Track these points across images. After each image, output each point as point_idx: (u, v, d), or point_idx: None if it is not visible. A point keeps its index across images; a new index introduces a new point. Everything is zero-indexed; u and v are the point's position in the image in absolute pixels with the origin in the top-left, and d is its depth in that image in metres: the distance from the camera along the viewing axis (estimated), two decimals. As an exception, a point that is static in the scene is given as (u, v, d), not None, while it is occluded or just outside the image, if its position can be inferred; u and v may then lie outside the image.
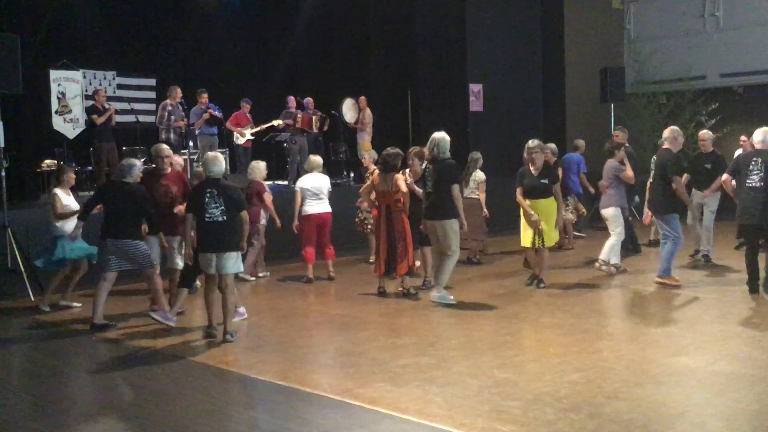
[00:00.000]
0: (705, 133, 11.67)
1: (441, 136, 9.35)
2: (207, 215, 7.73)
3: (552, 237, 9.93)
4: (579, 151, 13.71)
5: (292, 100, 15.56)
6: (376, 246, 9.89)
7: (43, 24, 14.80)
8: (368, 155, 11.88)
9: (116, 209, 8.35)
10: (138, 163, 8.68)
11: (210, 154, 8.23)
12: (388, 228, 9.60)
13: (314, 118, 15.41)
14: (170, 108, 13.67)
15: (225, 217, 7.74)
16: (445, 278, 9.26)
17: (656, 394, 5.87)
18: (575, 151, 13.82)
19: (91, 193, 12.35)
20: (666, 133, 10.17)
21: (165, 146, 9.31)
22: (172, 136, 13.66)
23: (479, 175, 11.79)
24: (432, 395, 5.96)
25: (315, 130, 15.46)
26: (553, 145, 12.38)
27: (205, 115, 14.12)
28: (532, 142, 10.02)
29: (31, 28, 13.82)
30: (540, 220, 9.72)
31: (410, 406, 5.75)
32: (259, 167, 11.01)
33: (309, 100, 15.90)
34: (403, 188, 9.54)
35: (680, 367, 6.54)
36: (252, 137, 15.16)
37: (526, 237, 9.87)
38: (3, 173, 10.59)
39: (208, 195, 7.75)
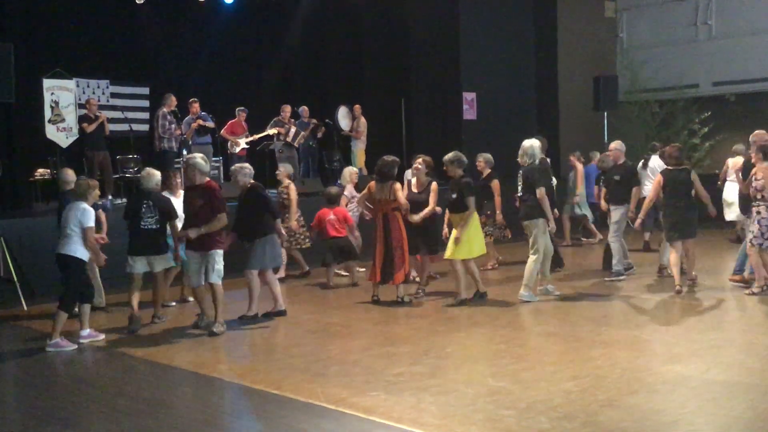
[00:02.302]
0: (615, 143, 11.33)
1: (530, 143, 9.78)
2: (143, 223, 8.79)
3: (460, 250, 9.50)
4: (594, 161, 13.73)
5: (286, 110, 15.52)
6: (373, 253, 9.85)
7: (37, 33, 14.79)
8: (284, 168, 11.96)
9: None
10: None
11: (146, 170, 9.12)
12: (385, 236, 9.60)
13: (301, 133, 15.33)
14: (170, 117, 13.62)
15: (158, 225, 8.85)
16: (531, 278, 9.67)
17: (650, 402, 5.87)
18: (591, 162, 13.97)
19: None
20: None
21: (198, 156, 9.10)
22: (174, 144, 13.62)
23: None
24: (426, 404, 5.95)
25: (296, 145, 15.37)
26: (487, 155, 11.72)
27: (194, 125, 14.10)
28: (447, 155, 9.83)
29: (25, 36, 13.80)
30: (450, 233, 9.70)
31: (405, 415, 5.74)
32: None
33: (304, 109, 15.92)
34: (401, 199, 9.55)
35: (674, 375, 6.54)
36: (247, 146, 15.14)
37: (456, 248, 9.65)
38: (-5, 182, 10.57)
39: (144, 206, 8.82)
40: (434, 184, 10.07)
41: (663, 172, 10.05)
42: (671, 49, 19.34)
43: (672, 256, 9.97)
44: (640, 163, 12.61)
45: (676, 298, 9.59)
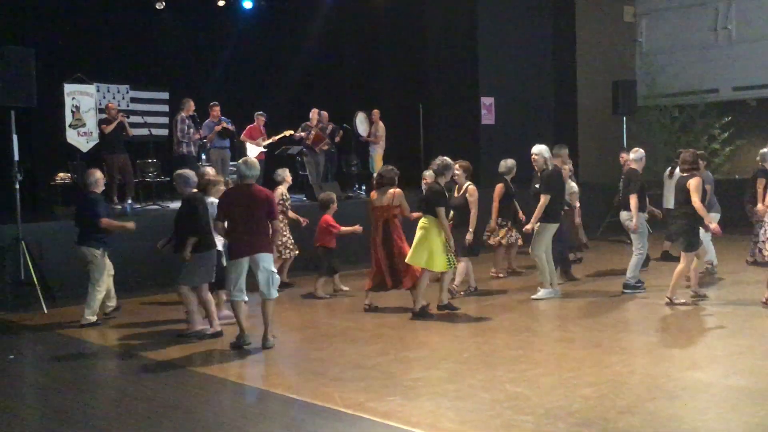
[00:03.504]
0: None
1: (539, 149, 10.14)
2: None
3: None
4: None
5: (314, 113, 15.58)
6: (372, 261, 9.79)
7: (58, 38, 14.94)
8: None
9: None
10: (191, 173, 8.84)
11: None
12: (384, 243, 9.54)
13: (323, 141, 15.39)
14: (189, 121, 13.69)
15: None
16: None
17: (670, 409, 5.84)
18: None
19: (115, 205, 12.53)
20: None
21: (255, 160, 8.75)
22: (193, 149, 13.68)
23: (571, 185, 12.07)
24: (444, 409, 5.95)
25: (318, 152, 15.42)
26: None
27: (217, 128, 14.16)
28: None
29: (46, 42, 13.93)
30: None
31: (422, 419, 5.73)
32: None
33: (323, 114, 15.93)
34: (403, 203, 9.52)
35: (694, 382, 6.50)
36: (265, 149, 15.19)
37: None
38: (17, 186, 10.64)
39: None
40: (472, 188, 10.29)
41: (678, 179, 9.88)
42: (691, 54, 19.23)
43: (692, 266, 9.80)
44: (667, 171, 12.48)
45: (700, 305, 9.51)
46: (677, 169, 9.74)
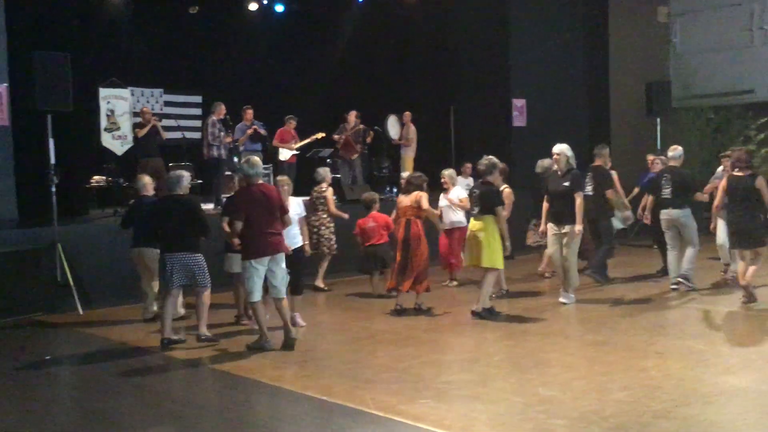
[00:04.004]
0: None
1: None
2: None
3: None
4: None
5: (352, 116, 15.65)
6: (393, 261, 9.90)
7: (93, 43, 15.13)
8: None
9: (173, 223, 8.34)
10: (186, 174, 8.73)
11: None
12: (404, 242, 9.58)
13: (356, 146, 15.47)
14: (219, 125, 13.81)
15: None
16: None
17: (705, 414, 5.77)
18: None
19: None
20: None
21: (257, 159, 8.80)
22: (223, 152, 13.79)
23: None
24: (476, 413, 5.93)
25: (350, 158, 15.49)
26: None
27: (249, 131, 14.24)
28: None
29: (81, 46, 14.11)
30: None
31: (454, 423, 5.72)
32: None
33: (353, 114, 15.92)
34: (424, 205, 9.60)
35: (730, 387, 6.42)
36: (297, 152, 15.26)
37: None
38: (54, 189, 10.79)
39: None
40: (508, 191, 10.37)
41: (728, 177, 9.77)
42: (726, 55, 18.97)
43: (739, 266, 9.68)
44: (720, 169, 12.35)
45: (734, 308, 9.39)
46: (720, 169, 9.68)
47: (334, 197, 11.75)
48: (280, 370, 7.43)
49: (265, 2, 17.21)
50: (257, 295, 8.04)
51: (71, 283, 10.28)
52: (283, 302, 8.16)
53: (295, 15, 18.15)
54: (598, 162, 11.38)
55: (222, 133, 13.75)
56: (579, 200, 9.74)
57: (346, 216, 11.55)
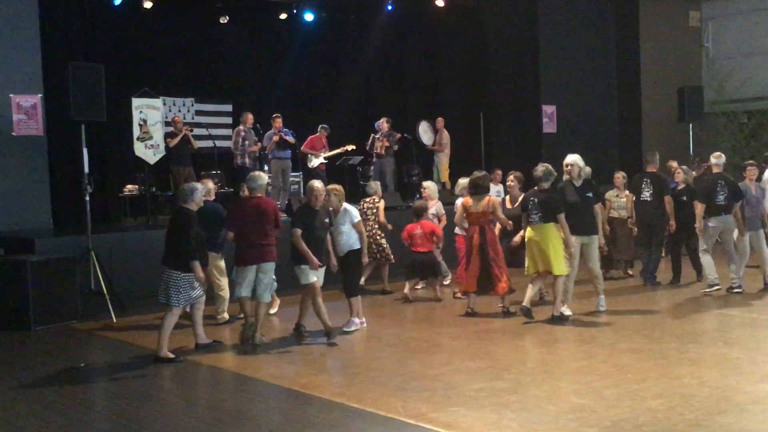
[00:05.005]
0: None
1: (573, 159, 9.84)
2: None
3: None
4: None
5: (382, 122, 15.75)
6: (466, 266, 9.88)
7: (125, 54, 15.32)
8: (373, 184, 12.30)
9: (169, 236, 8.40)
10: (200, 187, 8.68)
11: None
12: (480, 248, 9.66)
13: (379, 144, 15.54)
14: (243, 133, 13.98)
15: None
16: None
17: (740, 422, 5.70)
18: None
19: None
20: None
21: (262, 174, 9.36)
22: (247, 160, 13.93)
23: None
24: (507, 420, 5.90)
25: (381, 152, 15.55)
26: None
27: (275, 138, 14.35)
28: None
29: (114, 57, 14.30)
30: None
31: (485, 431, 5.70)
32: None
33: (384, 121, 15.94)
34: (498, 212, 9.72)
35: (765, 395, 6.33)
36: (325, 161, 15.32)
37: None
38: (88, 198, 10.93)
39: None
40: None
41: None
42: (759, 59, 18.78)
43: None
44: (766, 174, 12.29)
45: (765, 315, 9.26)
46: (766, 173, 9.53)
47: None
48: (311, 377, 7.44)
49: (295, 11, 17.29)
50: (243, 292, 8.75)
51: (105, 290, 10.40)
52: (262, 306, 8.81)
53: (324, 23, 18.22)
54: (651, 168, 11.59)
55: (247, 142, 13.90)
56: (598, 210, 9.91)
57: (390, 227, 11.77)
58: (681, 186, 11.66)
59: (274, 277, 8.87)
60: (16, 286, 10.10)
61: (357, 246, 9.20)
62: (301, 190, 15.24)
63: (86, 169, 10.96)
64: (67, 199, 13.11)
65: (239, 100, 16.99)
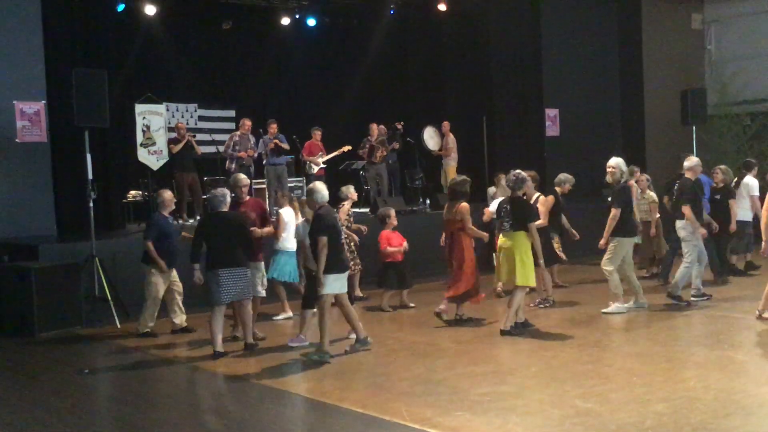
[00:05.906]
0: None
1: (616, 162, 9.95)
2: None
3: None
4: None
5: (373, 128, 15.72)
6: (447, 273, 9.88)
7: (129, 60, 15.36)
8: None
9: (223, 239, 8.52)
10: (228, 191, 8.93)
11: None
12: (449, 255, 9.59)
13: (378, 148, 15.52)
14: (237, 139, 14.04)
15: None
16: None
17: (746, 426, 5.68)
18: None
19: (185, 222, 12.78)
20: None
21: (243, 176, 9.69)
22: (233, 166, 13.92)
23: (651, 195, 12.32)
24: (512, 425, 5.89)
25: (376, 161, 15.55)
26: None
27: (270, 144, 14.37)
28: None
29: (117, 63, 14.33)
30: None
31: (490, 435, 5.69)
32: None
33: (381, 128, 15.96)
34: (466, 222, 9.42)
35: (771, 398, 6.31)
36: (324, 165, 15.32)
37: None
38: (91, 204, 10.94)
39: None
40: (543, 197, 10.40)
41: None
42: (762, 61, 18.75)
43: None
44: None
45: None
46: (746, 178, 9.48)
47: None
48: (315, 383, 7.44)
49: (297, 16, 17.33)
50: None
51: (109, 296, 10.41)
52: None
53: (327, 28, 18.27)
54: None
55: (237, 147, 13.93)
56: (612, 213, 9.72)
57: (363, 230, 11.29)
58: (720, 186, 11.86)
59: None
60: (20, 292, 10.12)
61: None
62: (304, 195, 15.22)
63: (90, 175, 10.96)
64: (70, 206, 13.13)
65: (242, 105, 17.03)
